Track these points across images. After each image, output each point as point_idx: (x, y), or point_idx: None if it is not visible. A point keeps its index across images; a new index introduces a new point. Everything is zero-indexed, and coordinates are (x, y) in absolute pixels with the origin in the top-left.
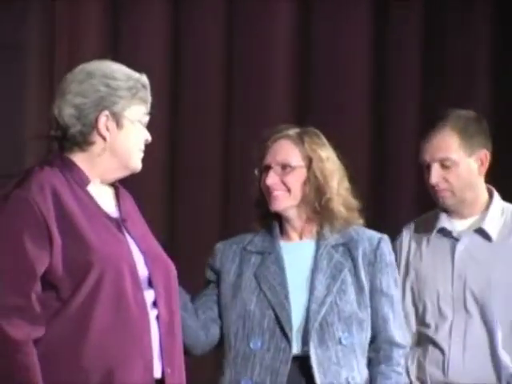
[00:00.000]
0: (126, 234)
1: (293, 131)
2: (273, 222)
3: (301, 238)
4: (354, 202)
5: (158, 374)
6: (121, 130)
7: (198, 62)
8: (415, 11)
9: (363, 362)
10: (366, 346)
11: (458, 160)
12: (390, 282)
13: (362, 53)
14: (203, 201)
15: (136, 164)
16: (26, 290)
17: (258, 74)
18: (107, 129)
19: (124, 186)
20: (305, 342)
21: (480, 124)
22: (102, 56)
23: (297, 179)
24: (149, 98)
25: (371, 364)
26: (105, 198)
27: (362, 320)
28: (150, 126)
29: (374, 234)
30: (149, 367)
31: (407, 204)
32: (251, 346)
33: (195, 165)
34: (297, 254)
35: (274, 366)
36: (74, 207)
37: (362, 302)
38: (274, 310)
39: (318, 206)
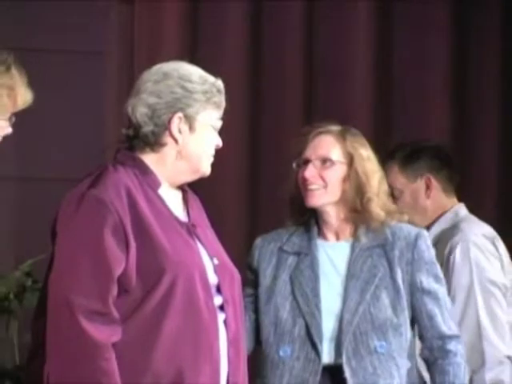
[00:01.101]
0: (196, 240)
1: (335, 128)
2: (310, 220)
3: (337, 238)
4: (393, 206)
5: (223, 382)
6: (193, 133)
7: (278, 66)
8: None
9: (405, 367)
10: (407, 350)
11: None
12: (430, 278)
13: (441, 54)
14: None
15: (205, 168)
16: (104, 295)
17: (338, 76)
18: (180, 131)
19: (204, 190)
20: (338, 352)
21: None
22: (182, 61)
23: (336, 175)
24: (223, 103)
25: (428, 364)
26: (174, 202)
27: (399, 325)
28: (229, 131)
29: (411, 231)
30: (216, 373)
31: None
32: (281, 353)
33: (276, 170)
34: (332, 255)
35: (303, 376)
36: (147, 210)
37: (399, 305)
38: (304, 318)
39: (358, 205)
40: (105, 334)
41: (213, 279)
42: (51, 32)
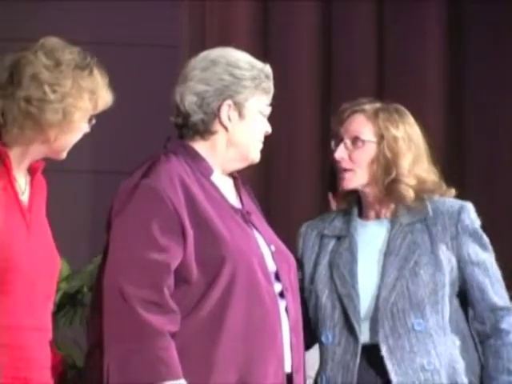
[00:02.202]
0: (252, 227)
1: (370, 106)
2: (353, 201)
3: (378, 216)
4: (435, 182)
5: (288, 368)
6: (242, 120)
7: (349, 61)
8: None
9: (443, 345)
10: (447, 327)
11: None
12: (477, 248)
13: None
14: None
15: (254, 155)
16: (159, 285)
17: (410, 73)
18: (229, 118)
19: (275, 179)
20: (374, 330)
21: None
22: (253, 54)
23: (365, 156)
24: (271, 89)
25: (480, 338)
26: (227, 189)
27: (436, 302)
28: (300, 123)
29: (454, 205)
30: (280, 361)
31: None
32: (323, 339)
33: None
34: (371, 234)
35: (344, 360)
36: (202, 198)
37: (439, 282)
38: (342, 301)
39: (383, 188)
40: (161, 323)
41: (271, 266)
42: (124, 26)
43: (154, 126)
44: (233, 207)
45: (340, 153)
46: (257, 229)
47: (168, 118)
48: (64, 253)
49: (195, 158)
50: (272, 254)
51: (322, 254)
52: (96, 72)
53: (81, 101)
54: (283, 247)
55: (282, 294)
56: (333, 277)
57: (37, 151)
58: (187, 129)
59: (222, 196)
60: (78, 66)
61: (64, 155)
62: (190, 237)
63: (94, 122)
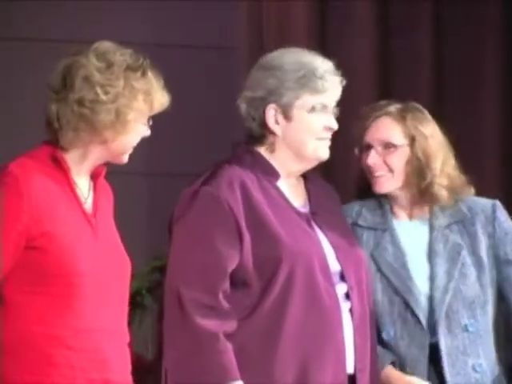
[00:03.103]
0: (317, 229)
1: (393, 107)
2: (379, 196)
3: (410, 216)
4: (462, 179)
5: (350, 369)
6: (290, 121)
7: (407, 63)
8: None
9: (490, 346)
10: (491, 328)
11: None
12: None
13: None
14: None
15: (312, 153)
16: (214, 289)
17: (468, 74)
18: (276, 122)
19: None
20: (432, 331)
21: None
22: (311, 50)
23: (400, 159)
24: (326, 87)
25: None
26: (293, 192)
27: (485, 302)
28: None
29: (486, 203)
30: (342, 361)
31: None
32: (384, 336)
33: None
34: (410, 234)
35: (411, 353)
36: (262, 203)
37: (484, 281)
38: (401, 295)
39: (421, 188)
40: (216, 326)
41: (335, 267)
42: (183, 27)
43: (211, 129)
44: (296, 210)
45: (373, 159)
46: (323, 230)
47: (225, 119)
48: None
49: (261, 163)
50: (336, 254)
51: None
52: (150, 73)
53: (135, 101)
54: (353, 247)
55: (348, 294)
56: (382, 271)
57: (96, 155)
58: (249, 135)
59: (286, 200)
60: (129, 67)
61: (125, 159)
62: (246, 241)
63: (151, 123)
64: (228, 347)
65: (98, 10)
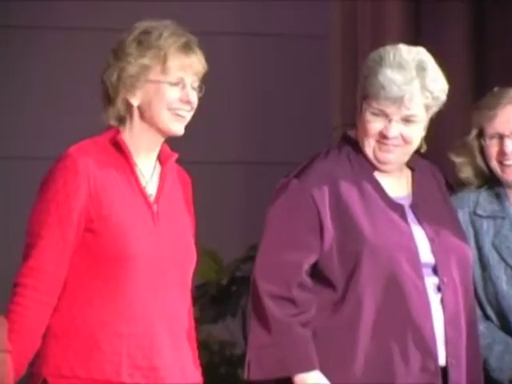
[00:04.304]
0: (413, 221)
1: None
2: (492, 183)
3: None
4: None
5: (442, 361)
6: (360, 116)
7: (503, 59)
8: None
9: None
10: None
11: None
12: None
13: None
14: None
15: (367, 151)
16: (289, 281)
17: None
18: (359, 117)
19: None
20: None
21: None
22: (404, 42)
23: None
24: (379, 94)
25: None
26: (394, 184)
27: None
28: (452, 124)
29: None
30: (430, 354)
31: None
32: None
33: None
34: None
35: None
36: (352, 195)
37: None
38: None
39: None
40: (290, 317)
41: (428, 259)
42: (278, 16)
43: (305, 117)
44: (391, 202)
45: (510, 147)
46: (420, 222)
47: (317, 108)
48: (218, 244)
49: (359, 153)
50: (431, 246)
51: (480, 236)
52: (167, 34)
53: (140, 58)
54: (454, 239)
55: (438, 287)
56: (506, 261)
57: (142, 132)
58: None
59: (381, 192)
60: (145, 30)
61: (175, 128)
62: (329, 235)
63: (195, 86)
64: (304, 337)
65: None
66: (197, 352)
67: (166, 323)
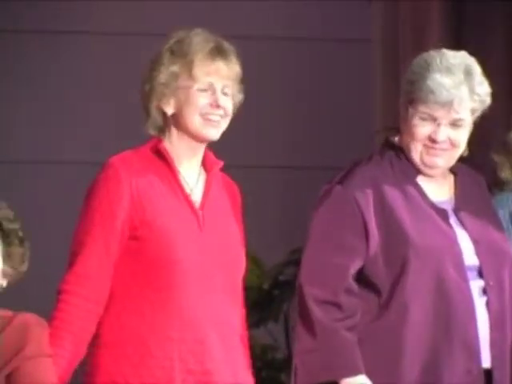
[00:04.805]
0: (457, 224)
1: None
2: None
3: None
4: None
5: (486, 363)
6: (406, 121)
7: None
8: None
9: None
10: None
11: None
12: None
13: None
14: None
15: (416, 158)
16: (335, 286)
17: None
18: (404, 119)
19: None
20: None
21: None
22: (445, 47)
23: None
24: (428, 100)
25: None
26: (436, 188)
27: None
28: (491, 125)
29: None
30: (474, 357)
31: None
32: None
33: None
34: None
35: None
36: (396, 200)
37: None
38: None
39: None
40: (335, 322)
41: (472, 262)
42: (320, 21)
43: (346, 122)
44: (434, 207)
45: None
46: (464, 225)
47: (360, 112)
48: (259, 248)
49: (401, 158)
50: (476, 249)
51: None
52: (196, 41)
53: (170, 65)
54: (497, 242)
55: (484, 289)
56: None
57: (180, 139)
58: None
59: (424, 196)
60: (178, 40)
61: (208, 133)
62: (374, 240)
63: (226, 91)
64: (350, 341)
65: (230, 4)
66: (249, 356)
67: (217, 327)
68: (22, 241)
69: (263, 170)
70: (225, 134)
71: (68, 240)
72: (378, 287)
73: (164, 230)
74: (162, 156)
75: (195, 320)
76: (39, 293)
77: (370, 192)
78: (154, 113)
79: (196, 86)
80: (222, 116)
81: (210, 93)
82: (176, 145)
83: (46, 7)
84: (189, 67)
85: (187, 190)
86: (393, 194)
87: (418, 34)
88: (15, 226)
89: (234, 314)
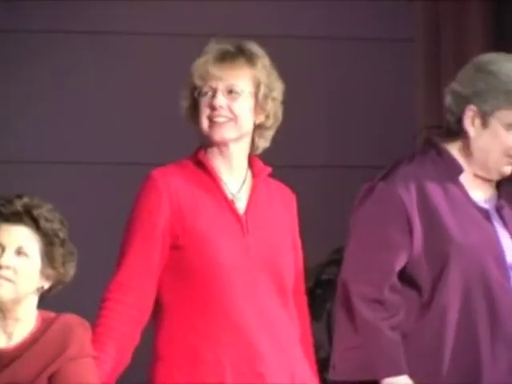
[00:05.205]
0: (499, 223)
1: None
2: None
3: None
4: None
5: None
6: (485, 129)
7: None
8: None
9: None
10: None
11: None
12: None
13: None
14: None
15: (495, 167)
16: (380, 283)
17: None
18: (472, 124)
19: None
20: None
21: None
22: (486, 46)
23: None
24: None
25: None
26: (478, 187)
27: None
28: None
29: None
30: None
31: None
32: None
33: None
34: None
35: None
36: (438, 198)
37: None
38: None
39: None
40: (381, 320)
41: None
42: (362, 20)
43: (389, 121)
44: (476, 205)
45: None
46: (506, 224)
47: (400, 111)
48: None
49: (444, 157)
50: None
51: None
52: (207, 51)
53: (188, 81)
54: None
55: None
56: None
57: (212, 147)
58: (444, 128)
59: (466, 195)
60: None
61: (213, 134)
62: (417, 237)
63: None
64: (394, 340)
65: (272, 4)
66: (312, 356)
67: (267, 330)
68: (63, 242)
69: (305, 170)
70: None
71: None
72: (420, 286)
73: (205, 236)
74: (202, 165)
75: (243, 323)
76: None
77: (413, 190)
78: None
79: (197, 92)
80: (228, 117)
81: (211, 95)
82: (210, 152)
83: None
84: (191, 77)
85: (229, 196)
86: (435, 193)
87: (460, 32)
88: (54, 226)
89: (285, 315)
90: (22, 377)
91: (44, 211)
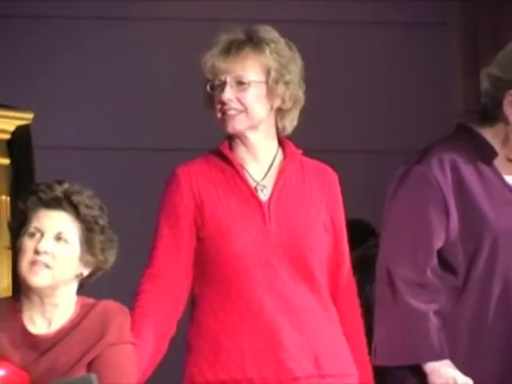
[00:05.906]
0: None
1: None
2: None
3: None
4: None
5: None
6: None
7: None
8: None
9: None
10: None
11: None
12: None
13: None
14: None
15: None
16: (423, 266)
17: None
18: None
19: None
20: None
21: None
22: None
23: None
24: None
25: None
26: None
27: None
28: None
29: None
30: None
31: None
32: None
33: None
34: None
35: None
36: (473, 181)
37: None
38: None
39: None
40: (424, 304)
41: None
42: (399, 5)
43: (422, 105)
44: (510, 188)
45: None
46: None
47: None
48: None
49: (478, 141)
50: None
51: None
52: (219, 40)
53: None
54: None
55: None
56: None
57: (234, 138)
58: (479, 112)
59: (500, 178)
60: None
61: (230, 128)
62: (453, 219)
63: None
64: (437, 325)
65: None
66: (361, 344)
67: (288, 316)
68: (102, 228)
69: (342, 155)
70: (305, 120)
71: None
72: (456, 270)
73: (222, 227)
74: (224, 157)
75: (262, 311)
76: None
77: (448, 173)
78: None
79: (209, 85)
80: (238, 109)
81: (221, 88)
82: (234, 143)
83: None
84: (203, 71)
85: (253, 184)
86: (470, 177)
87: (496, 16)
88: (94, 212)
89: (312, 301)
90: (62, 363)
91: (84, 197)
